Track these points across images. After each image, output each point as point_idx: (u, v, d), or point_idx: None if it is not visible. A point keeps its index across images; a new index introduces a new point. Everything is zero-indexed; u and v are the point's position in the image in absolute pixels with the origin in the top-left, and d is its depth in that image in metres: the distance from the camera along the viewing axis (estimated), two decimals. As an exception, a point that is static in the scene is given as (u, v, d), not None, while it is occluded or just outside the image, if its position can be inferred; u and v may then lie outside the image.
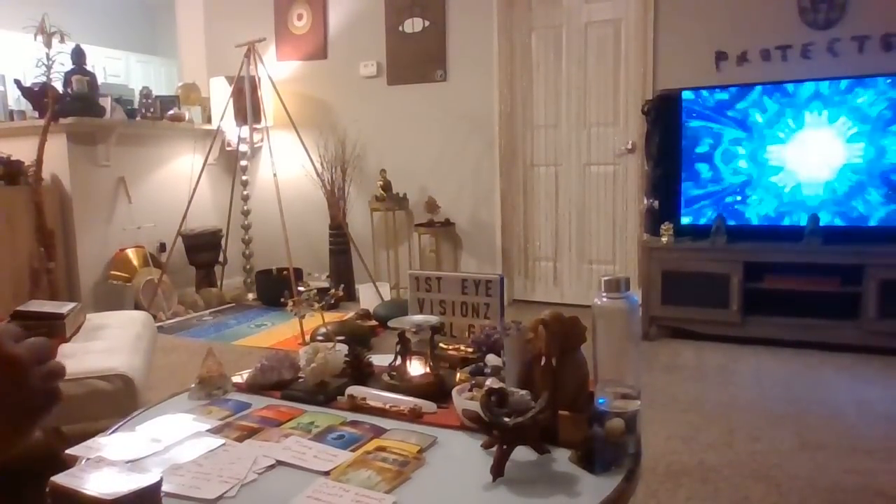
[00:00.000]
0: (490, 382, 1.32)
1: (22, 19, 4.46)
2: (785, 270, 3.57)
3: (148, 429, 1.37)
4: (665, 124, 3.90)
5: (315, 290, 2.37)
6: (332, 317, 3.99)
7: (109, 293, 4.42)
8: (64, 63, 4.29)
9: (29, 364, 0.54)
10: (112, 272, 4.47)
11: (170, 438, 1.31)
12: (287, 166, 5.23)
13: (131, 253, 4.55)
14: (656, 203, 3.94)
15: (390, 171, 4.88)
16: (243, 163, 5.11)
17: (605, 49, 4.40)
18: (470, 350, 1.72)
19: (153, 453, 1.25)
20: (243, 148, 5.11)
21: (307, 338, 3.80)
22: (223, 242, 5.08)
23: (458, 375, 1.53)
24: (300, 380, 1.59)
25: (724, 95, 3.75)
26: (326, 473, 1.16)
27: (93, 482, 0.96)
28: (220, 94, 5.07)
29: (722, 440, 2.46)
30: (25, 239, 3.94)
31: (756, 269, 3.60)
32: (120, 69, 7.48)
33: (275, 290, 4.63)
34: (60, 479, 0.97)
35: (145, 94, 4.95)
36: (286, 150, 5.24)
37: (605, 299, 1.32)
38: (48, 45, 4.20)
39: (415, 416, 1.39)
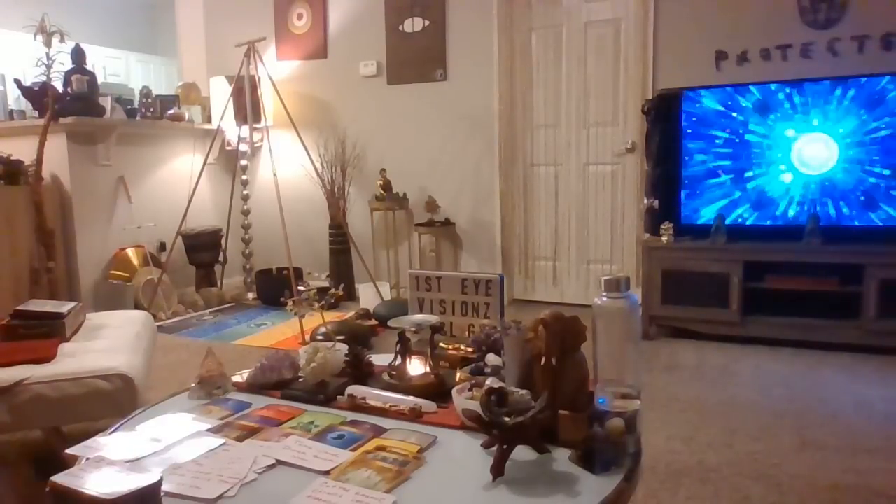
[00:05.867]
0: (490, 382, 1.32)
1: (22, 19, 4.46)
2: (785, 270, 3.57)
3: (148, 429, 1.37)
4: (665, 124, 3.90)
5: (315, 290, 2.37)
6: (332, 316, 3.99)
7: (109, 293, 4.42)
8: (64, 63, 4.29)
9: None
10: (112, 272, 4.47)
11: (170, 438, 1.31)
12: (287, 166, 5.23)
13: (131, 252, 4.55)
14: (656, 203, 3.94)
15: (390, 170, 4.88)
16: (243, 162, 5.11)
17: (605, 49, 4.40)
18: (470, 350, 1.72)
19: (153, 453, 1.25)
20: (243, 147, 5.11)
21: (307, 337, 3.80)
22: (223, 242, 5.08)
23: (458, 375, 1.53)
24: (300, 379, 1.59)
25: (724, 95, 3.75)
26: (326, 473, 1.16)
27: (93, 482, 0.96)
28: (220, 93, 5.07)
29: (722, 440, 2.46)
30: (25, 239, 3.94)
31: (756, 269, 3.60)
32: (120, 69, 7.48)
33: (275, 289, 4.64)
34: (60, 479, 0.97)
35: (145, 93, 4.95)
36: (286, 150, 5.24)
37: (605, 299, 1.32)
38: (48, 44, 4.20)
39: (415, 415, 1.39)
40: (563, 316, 1.28)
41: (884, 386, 2.99)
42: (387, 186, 4.82)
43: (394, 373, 1.55)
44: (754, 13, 3.90)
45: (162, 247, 4.81)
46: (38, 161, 3.92)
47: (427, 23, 4.81)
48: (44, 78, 4.20)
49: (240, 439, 1.31)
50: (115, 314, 2.77)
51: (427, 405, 1.41)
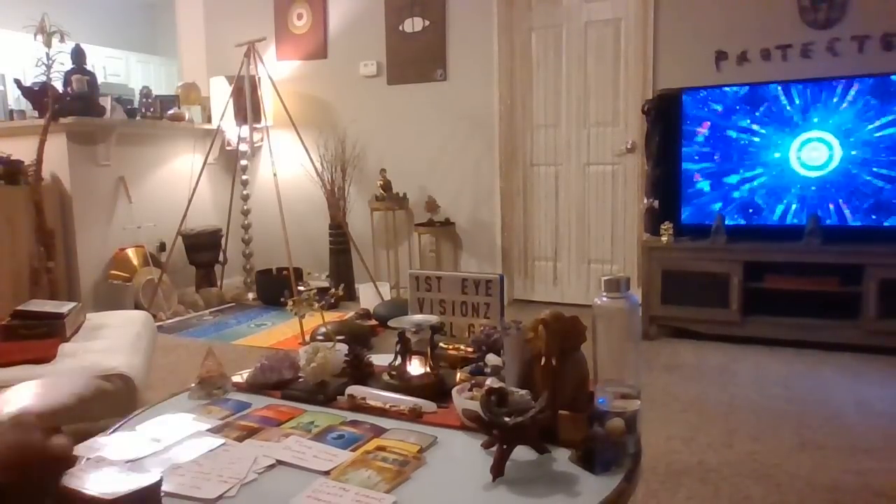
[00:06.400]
0: (490, 382, 1.32)
1: (22, 19, 4.46)
2: (785, 270, 3.57)
3: (148, 429, 1.37)
4: (665, 124, 3.90)
5: (315, 290, 2.37)
6: (332, 316, 3.99)
7: (109, 293, 4.42)
8: (64, 63, 4.29)
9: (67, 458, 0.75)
10: (112, 272, 4.47)
11: (170, 438, 1.31)
12: (287, 166, 5.23)
13: (131, 252, 4.55)
14: (656, 203, 3.94)
15: (390, 170, 4.88)
16: (243, 162, 5.11)
17: (605, 49, 4.40)
18: (470, 350, 1.72)
19: (153, 453, 1.25)
20: (243, 147, 5.11)
21: (307, 337, 3.80)
22: (223, 242, 5.08)
23: (458, 375, 1.53)
24: (300, 379, 1.59)
25: (724, 95, 3.75)
26: (326, 473, 1.16)
27: (93, 482, 0.96)
28: (220, 93, 5.07)
29: (722, 440, 2.46)
30: (25, 239, 3.94)
31: (756, 269, 3.60)
32: (120, 69, 7.48)
33: (275, 289, 4.64)
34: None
35: (145, 93, 4.95)
36: (286, 150, 5.24)
37: (605, 299, 1.32)
38: (48, 44, 4.20)
39: (415, 415, 1.39)
40: (563, 316, 1.28)
41: (884, 386, 2.99)
42: (387, 186, 4.82)
43: (394, 373, 1.55)
44: (754, 13, 3.90)
45: (162, 247, 4.81)
46: (38, 161, 3.92)
47: (427, 23, 4.81)
48: (44, 78, 4.20)
49: (240, 439, 1.31)
50: (115, 314, 2.77)
51: (427, 405, 1.41)
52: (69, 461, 0.73)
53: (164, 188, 4.90)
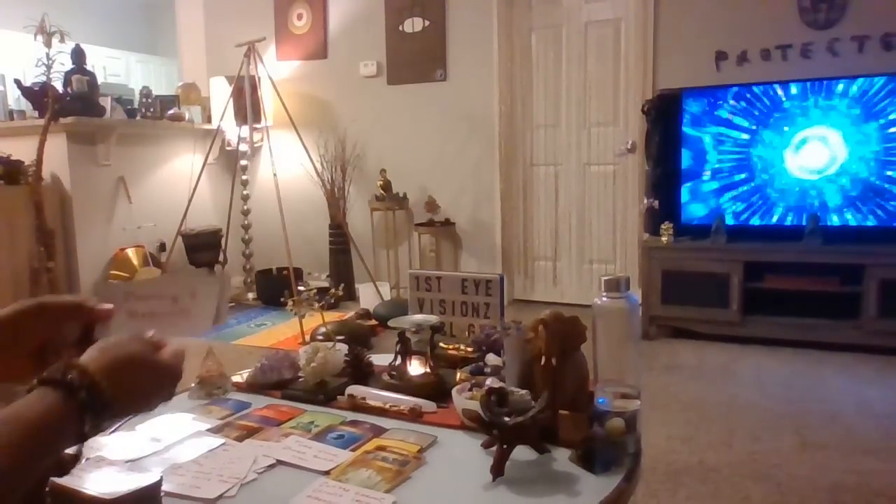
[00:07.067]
0: (490, 382, 1.32)
1: (22, 19, 4.45)
2: (785, 270, 3.57)
3: (148, 429, 1.37)
4: (665, 124, 3.90)
5: (315, 290, 2.37)
6: (332, 316, 3.99)
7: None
8: (64, 63, 4.29)
9: (177, 370, 0.75)
10: (112, 272, 4.46)
11: (170, 438, 1.31)
12: (287, 166, 5.23)
13: (131, 252, 4.55)
14: (656, 203, 3.94)
15: (390, 170, 4.88)
16: (243, 162, 5.11)
17: (605, 49, 4.39)
18: (470, 350, 1.71)
19: (153, 453, 1.25)
20: (243, 148, 5.11)
21: (307, 337, 3.80)
22: (223, 242, 5.07)
23: (458, 375, 1.52)
24: (300, 379, 1.59)
25: (723, 95, 3.75)
26: (326, 473, 1.16)
27: (93, 482, 0.96)
28: (220, 93, 5.07)
29: (722, 440, 2.46)
30: (25, 239, 3.94)
31: (756, 269, 3.60)
32: (120, 69, 7.48)
33: (275, 289, 4.63)
34: (60, 478, 0.97)
35: (145, 93, 4.96)
36: (286, 150, 5.24)
37: (605, 299, 1.32)
38: (48, 44, 4.20)
39: (415, 415, 1.39)
40: (563, 316, 1.28)
41: (884, 386, 2.99)
42: (387, 186, 4.82)
43: (394, 373, 1.55)
44: (754, 13, 3.90)
45: (162, 247, 4.81)
46: (38, 161, 3.92)
47: (427, 23, 4.81)
48: (44, 78, 4.20)
49: (240, 439, 1.31)
50: (115, 314, 2.77)
51: (427, 405, 1.41)
52: (178, 376, 0.75)
53: (164, 188, 4.90)
